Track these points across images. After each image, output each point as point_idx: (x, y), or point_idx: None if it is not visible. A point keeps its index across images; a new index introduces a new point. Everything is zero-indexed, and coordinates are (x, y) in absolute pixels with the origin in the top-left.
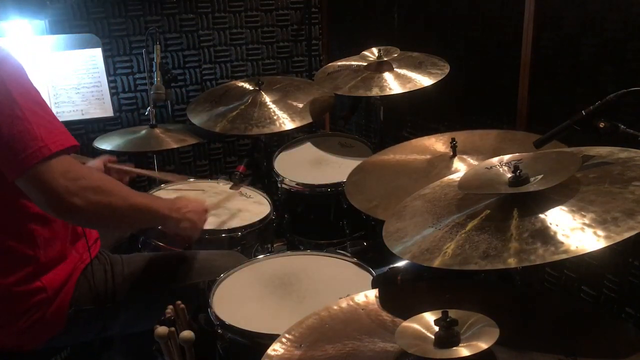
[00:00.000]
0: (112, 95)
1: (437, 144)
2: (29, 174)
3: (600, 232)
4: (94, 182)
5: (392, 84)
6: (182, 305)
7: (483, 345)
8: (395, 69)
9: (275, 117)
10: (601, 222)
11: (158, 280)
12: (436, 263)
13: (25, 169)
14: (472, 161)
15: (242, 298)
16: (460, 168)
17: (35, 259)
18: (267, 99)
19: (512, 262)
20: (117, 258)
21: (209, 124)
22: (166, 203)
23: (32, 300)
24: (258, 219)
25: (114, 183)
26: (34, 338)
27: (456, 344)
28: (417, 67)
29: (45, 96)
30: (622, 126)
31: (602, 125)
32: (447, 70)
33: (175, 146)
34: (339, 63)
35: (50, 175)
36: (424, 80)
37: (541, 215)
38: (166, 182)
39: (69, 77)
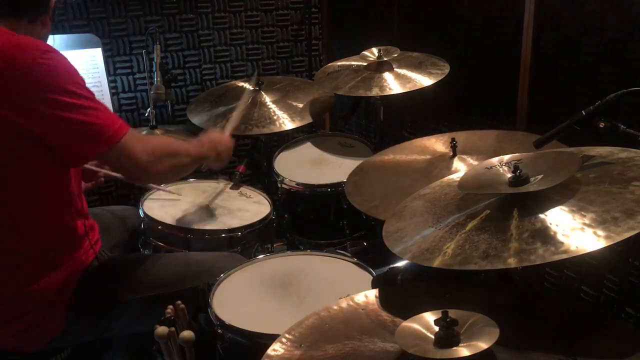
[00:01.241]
0: (112, 95)
1: (437, 144)
2: (118, 147)
3: (600, 232)
4: (165, 149)
5: (392, 84)
6: (182, 305)
7: (483, 345)
8: (395, 69)
9: (275, 117)
10: (601, 222)
11: (157, 280)
12: (436, 263)
13: (114, 142)
14: (472, 161)
15: (242, 298)
16: (460, 168)
17: (36, 260)
18: (267, 99)
19: (512, 262)
20: (116, 258)
21: (209, 124)
22: (209, 145)
23: (32, 302)
24: (258, 219)
25: (176, 143)
26: (34, 340)
27: (456, 344)
28: (417, 67)
29: None
30: (622, 126)
31: (602, 125)
32: (447, 70)
33: None
34: (339, 63)
35: (134, 147)
36: (423, 80)
37: (541, 215)
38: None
39: None
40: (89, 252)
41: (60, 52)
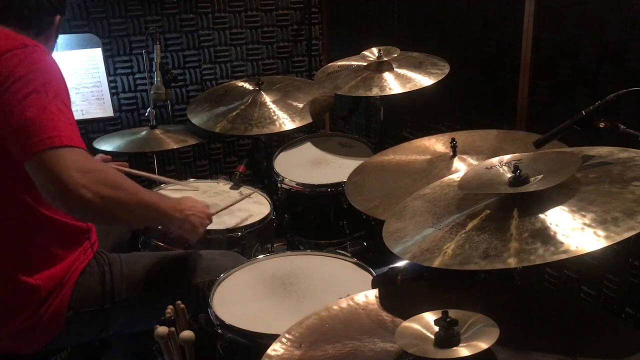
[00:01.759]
0: (112, 95)
1: (437, 144)
2: (40, 157)
3: (600, 232)
4: (104, 176)
5: (392, 84)
6: (182, 305)
7: (483, 345)
8: (395, 69)
9: (275, 117)
10: (601, 222)
11: (157, 280)
12: (436, 263)
13: (37, 152)
14: (472, 161)
15: (242, 298)
16: (460, 168)
17: (29, 255)
18: (267, 99)
19: (512, 262)
20: (115, 258)
21: (209, 124)
22: (172, 203)
23: (24, 298)
24: (258, 219)
25: (124, 178)
26: (33, 341)
27: (456, 344)
28: (417, 67)
29: None
30: (622, 126)
31: (602, 125)
32: (447, 70)
33: (175, 147)
34: (339, 63)
35: (61, 163)
36: (423, 80)
37: (541, 215)
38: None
39: (69, 77)
40: (87, 251)
41: (61, 52)
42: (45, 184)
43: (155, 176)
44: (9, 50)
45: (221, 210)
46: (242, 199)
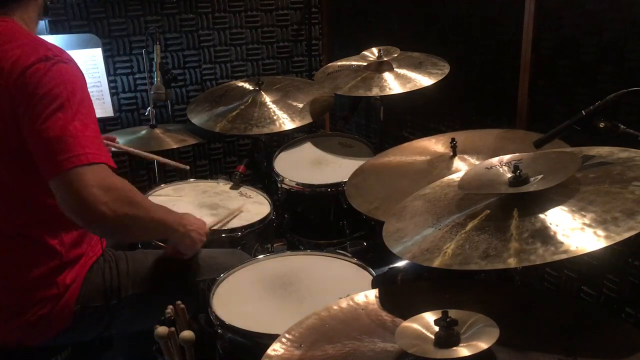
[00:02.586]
0: (112, 95)
1: (437, 144)
2: (64, 177)
3: (600, 232)
4: (124, 194)
5: (392, 84)
6: (182, 305)
7: (483, 345)
8: (395, 69)
9: (275, 117)
10: (601, 222)
11: (161, 276)
12: (436, 263)
13: (60, 172)
14: (472, 161)
15: (242, 298)
16: (460, 168)
17: (60, 256)
18: (267, 99)
19: (512, 262)
20: (121, 255)
21: (209, 124)
22: (176, 217)
23: (42, 295)
24: (258, 219)
25: (140, 195)
26: (39, 334)
27: (456, 344)
28: (417, 67)
29: None
30: (622, 126)
31: (602, 125)
32: (447, 70)
33: (175, 146)
34: (339, 63)
35: (84, 182)
36: (423, 80)
37: (541, 215)
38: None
39: None
40: (97, 246)
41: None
42: (67, 201)
43: (140, 152)
44: (32, 65)
45: (215, 225)
46: (233, 217)
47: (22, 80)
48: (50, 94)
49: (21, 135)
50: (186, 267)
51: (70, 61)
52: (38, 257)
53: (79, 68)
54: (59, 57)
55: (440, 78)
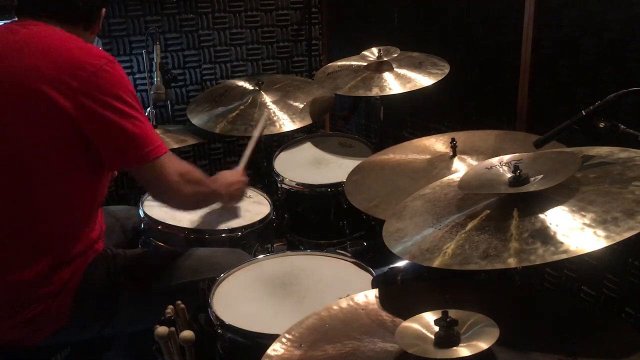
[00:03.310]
0: None
1: (437, 144)
2: (153, 165)
3: (600, 232)
4: (192, 175)
5: (392, 84)
6: (182, 305)
7: (483, 345)
8: (395, 69)
9: (275, 118)
10: (601, 222)
11: (160, 275)
12: (436, 263)
13: (150, 159)
14: (472, 161)
15: (242, 298)
16: (460, 168)
17: (56, 254)
18: (267, 99)
19: (512, 262)
20: (120, 253)
21: (209, 125)
22: (222, 184)
23: (39, 292)
24: (258, 219)
25: (201, 174)
26: (37, 332)
27: (456, 344)
28: (417, 67)
29: None
30: (622, 126)
31: (602, 125)
32: (447, 71)
33: (175, 146)
34: (339, 63)
35: (168, 168)
36: (423, 80)
37: (541, 215)
38: None
39: None
40: (97, 245)
41: None
42: (157, 186)
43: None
44: (101, 67)
45: (245, 163)
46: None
47: (92, 80)
48: (121, 93)
49: (78, 128)
50: (187, 267)
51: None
52: (35, 255)
53: None
54: (115, 60)
55: (440, 78)
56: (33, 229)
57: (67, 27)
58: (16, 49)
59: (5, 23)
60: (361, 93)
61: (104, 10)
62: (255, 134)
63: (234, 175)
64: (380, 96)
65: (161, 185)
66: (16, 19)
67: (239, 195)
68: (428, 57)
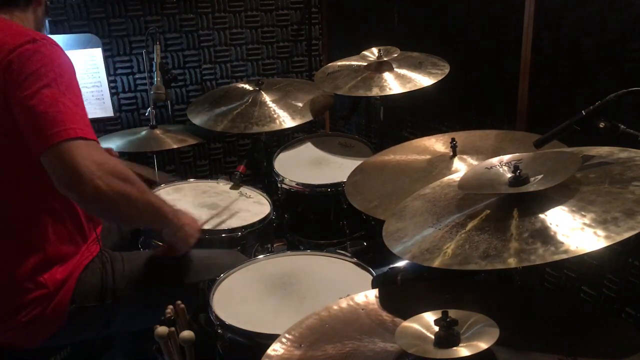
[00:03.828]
0: (112, 95)
1: (437, 144)
2: (56, 149)
3: (600, 232)
4: (119, 169)
5: (392, 83)
6: (182, 305)
7: (483, 345)
8: (395, 69)
9: (275, 116)
10: (601, 222)
11: (158, 278)
12: (436, 263)
13: (53, 144)
14: (472, 161)
15: (242, 298)
16: (460, 168)
17: (44, 253)
18: (267, 98)
19: (512, 262)
20: (117, 255)
21: (210, 123)
22: (171, 209)
23: (32, 295)
24: (258, 219)
25: (134, 176)
26: (34, 335)
27: (456, 344)
28: (417, 67)
29: None
30: (622, 126)
31: (602, 125)
32: (447, 71)
33: (175, 146)
34: (339, 63)
35: (76, 154)
36: (424, 80)
37: (541, 215)
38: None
39: None
40: (92, 247)
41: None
42: (61, 175)
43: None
44: (20, 46)
45: (207, 224)
46: (227, 217)
47: (10, 59)
48: (38, 71)
49: (11, 116)
50: (184, 269)
51: (59, 46)
52: (19, 254)
53: (67, 56)
54: (47, 40)
55: (440, 78)
56: (18, 233)
57: (16, 11)
58: None
59: None
60: (361, 93)
61: None
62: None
63: (192, 219)
64: (380, 96)
65: (66, 172)
66: None
67: (188, 237)
68: (428, 57)
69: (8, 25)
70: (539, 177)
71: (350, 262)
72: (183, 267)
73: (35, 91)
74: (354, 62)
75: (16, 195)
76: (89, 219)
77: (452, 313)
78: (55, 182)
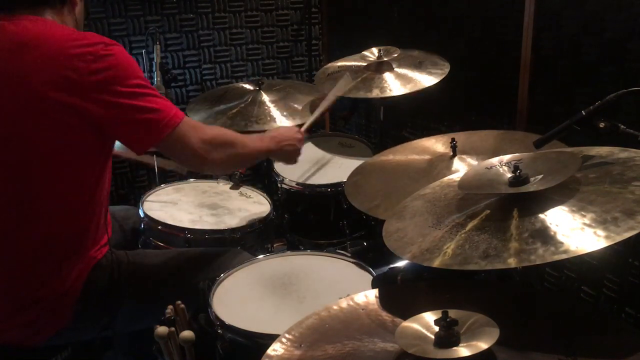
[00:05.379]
0: None
1: (437, 144)
2: (174, 135)
3: (600, 232)
4: (221, 138)
5: (393, 84)
6: (182, 305)
7: (483, 345)
8: (395, 69)
9: (275, 115)
10: (601, 222)
11: (161, 275)
12: (436, 263)
13: (172, 128)
14: (472, 161)
15: (242, 298)
16: (460, 168)
17: (63, 252)
18: (266, 98)
19: (512, 262)
20: (122, 254)
21: (210, 122)
22: (269, 139)
23: (43, 293)
24: (258, 219)
25: (233, 134)
26: (39, 332)
27: (456, 344)
28: (417, 67)
29: None
30: (622, 126)
31: (602, 125)
32: (447, 70)
33: None
34: (339, 64)
35: (189, 135)
36: (424, 80)
37: (541, 215)
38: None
39: None
40: (104, 247)
41: None
42: (185, 157)
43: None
44: (98, 54)
45: (310, 124)
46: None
47: (94, 67)
48: (127, 73)
49: (79, 117)
50: (186, 267)
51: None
52: (39, 255)
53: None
54: (108, 40)
55: (440, 78)
56: (36, 229)
57: (50, 12)
58: (8, 48)
59: None
60: (362, 95)
61: None
62: (331, 96)
63: (289, 131)
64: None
65: (187, 155)
66: None
67: (292, 153)
68: (428, 56)
69: (71, 31)
70: (539, 177)
71: (350, 262)
72: (186, 266)
73: (133, 93)
74: (353, 62)
75: (43, 200)
76: (104, 218)
77: (452, 313)
78: (179, 160)
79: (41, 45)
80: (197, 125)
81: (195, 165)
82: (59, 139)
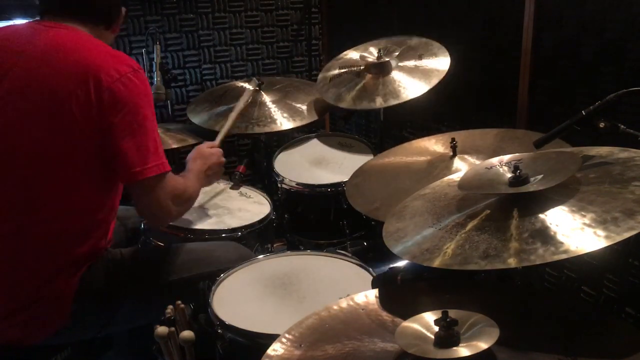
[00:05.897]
0: None
1: (437, 144)
2: (147, 182)
3: (600, 232)
4: (187, 194)
5: (395, 92)
6: (182, 305)
7: (483, 345)
8: (395, 70)
9: (275, 117)
10: (601, 222)
11: (159, 271)
12: (436, 263)
13: (146, 177)
14: (472, 161)
15: (242, 298)
16: (460, 168)
17: (66, 258)
18: (267, 98)
19: (512, 262)
20: (117, 253)
21: (210, 124)
22: (200, 172)
23: (41, 292)
24: (258, 219)
25: (187, 183)
26: (38, 331)
27: (456, 344)
28: (417, 67)
29: None
30: (622, 126)
31: (602, 125)
32: (447, 63)
33: (175, 146)
34: (339, 68)
35: (163, 189)
36: (425, 81)
37: (541, 215)
38: None
39: None
40: (101, 246)
41: None
42: (147, 205)
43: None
44: (124, 75)
45: (222, 138)
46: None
47: (113, 88)
48: (138, 103)
49: (101, 138)
50: (185, 262)
51: (143, 72)
52: (42, 258)
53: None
54: (140, 69)
55: (441, 78)
56: (42, 232)
57: (90, 27)
58: (41, 52)
59: (28, 22)
60: (365, 105)
61: (124, 9)
62: (236, 109)
63: (208, 149)
64: None
65: (152, 202)
66: (38, 18)
67: (218, 169)
68: (427, 45)
69: (107, 48)
70: (539, 177)
71: (350, 262)
72: (184, 259)
73: (137, 123)
74: (353, 63)
75: (49, 204)
76: (108, 229)
77: (452, 313)
78: (138, 207)
79: (77, 54)
80: (173, 179)
81: (154, 219)
82: (68, 147)
